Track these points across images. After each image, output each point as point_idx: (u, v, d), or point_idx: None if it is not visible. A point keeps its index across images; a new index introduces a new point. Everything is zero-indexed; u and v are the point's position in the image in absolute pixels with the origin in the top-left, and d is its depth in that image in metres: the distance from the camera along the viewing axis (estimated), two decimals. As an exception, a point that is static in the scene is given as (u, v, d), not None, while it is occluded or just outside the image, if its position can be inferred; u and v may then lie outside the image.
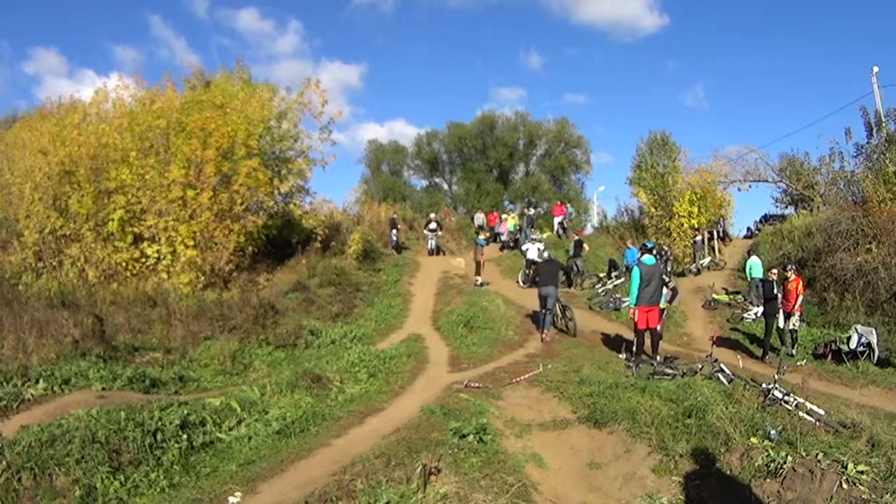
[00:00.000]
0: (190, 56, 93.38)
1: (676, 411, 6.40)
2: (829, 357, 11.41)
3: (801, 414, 6.19)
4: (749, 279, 16.13)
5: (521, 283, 19.14)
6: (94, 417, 6.14)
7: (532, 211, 28.19)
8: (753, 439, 5.46)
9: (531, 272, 18.34)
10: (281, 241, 19.05)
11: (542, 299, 13.33)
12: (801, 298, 12.25)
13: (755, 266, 15.97)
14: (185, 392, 8.88)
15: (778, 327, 12.05)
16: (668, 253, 19.18)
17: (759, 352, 12.11)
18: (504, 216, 27.62)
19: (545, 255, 15.38)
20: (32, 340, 9.22)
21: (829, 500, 4.38)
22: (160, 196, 15.42)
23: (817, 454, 4.84)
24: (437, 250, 24.26)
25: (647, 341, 10.88)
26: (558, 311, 13.78)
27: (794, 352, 11.99)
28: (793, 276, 12.16)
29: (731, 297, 16.28)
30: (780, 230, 19.04)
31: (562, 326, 13.81)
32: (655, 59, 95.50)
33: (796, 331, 12.24)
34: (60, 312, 10.88)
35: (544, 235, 24.61)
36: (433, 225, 24.40)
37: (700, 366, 8.62)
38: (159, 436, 6.22)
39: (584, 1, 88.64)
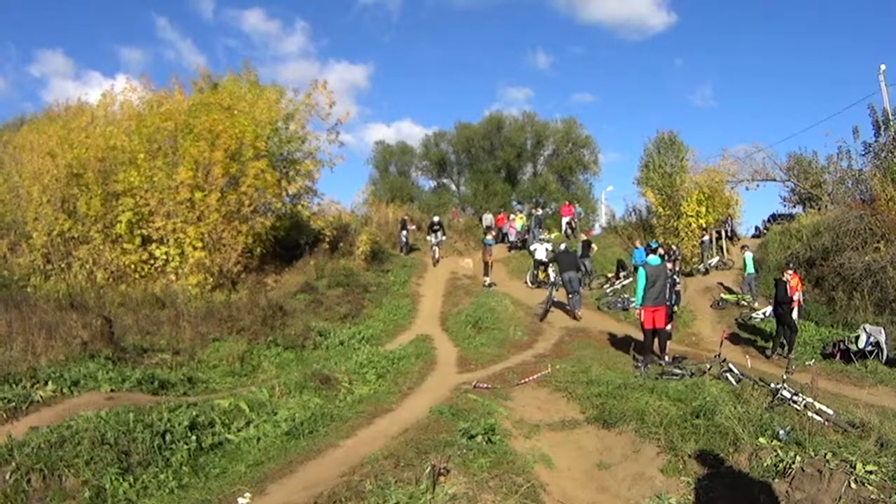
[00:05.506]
0: (197, 57, 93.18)
1: (685, 411, 6.38)
2: (838, 356, 11.41)
3: (809, 414, 6.18)
4: (745, 274, 16.38)
5: (530, 284, 19.10)
6: (103, 419, 6.17)
7: (540, 211, 28.14)
8: (762, 439, 5.43)
9: (538, 273, 18.40)
10: (289, 243, 19.13)
11: (567, 283, 14.63)
12: (798, 294, 12.41)
13: (749, 261, 16.33)
14: (194, 393, 8.89)
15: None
16: (677, 253, 19.13)
17: (768, 349, 12.09)
18: (512, 216, 27.50)
19: (562, 246, 16.91)
20: (41, 342, 9.25)
21: (838, 500, 4.35)
22: (168, 198, 15.52)
23: (826, 454, 4.81)
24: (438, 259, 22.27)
25: (655, 341, 10.85)
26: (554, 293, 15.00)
27: (783, 341, 12.06)
28: (791, 275, 12.40)
29: (739, 296, 16.24)
30: (788, 229, 18.95)
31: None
32: (663, 57, 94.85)
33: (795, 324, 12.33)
34: (69, 314, 10.94)
35: (552, 236, 24.53)
36: (436, 227, 22.22)
37: (708, 366, 8.59)
38: (168, 437, 6.25)
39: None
